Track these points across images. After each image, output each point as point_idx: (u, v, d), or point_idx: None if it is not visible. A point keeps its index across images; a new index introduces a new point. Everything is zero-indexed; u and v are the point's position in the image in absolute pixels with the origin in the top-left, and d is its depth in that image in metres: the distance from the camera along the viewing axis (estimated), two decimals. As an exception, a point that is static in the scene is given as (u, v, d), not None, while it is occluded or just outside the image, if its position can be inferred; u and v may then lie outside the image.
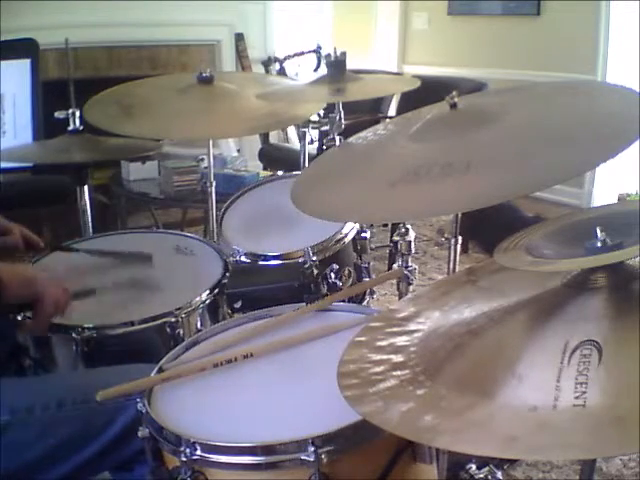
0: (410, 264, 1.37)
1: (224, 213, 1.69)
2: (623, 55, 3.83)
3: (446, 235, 1.39)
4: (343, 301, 1.24)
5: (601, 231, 0.74)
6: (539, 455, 0.85)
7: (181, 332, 1.26)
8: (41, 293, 1.18)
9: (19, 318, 1.23)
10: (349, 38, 4.97)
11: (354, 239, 1.59)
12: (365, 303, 1.58)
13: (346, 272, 1.54)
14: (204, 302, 1.33)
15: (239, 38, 4.47)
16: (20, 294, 1.17)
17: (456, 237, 1.39)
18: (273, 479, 0.87)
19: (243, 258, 1.50)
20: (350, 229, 1.57)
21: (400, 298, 1.33)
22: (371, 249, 1.64)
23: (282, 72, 4.50)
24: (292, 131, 4.30)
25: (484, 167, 0.90)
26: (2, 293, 1.12)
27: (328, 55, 1.65)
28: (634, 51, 3.68)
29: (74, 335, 1.22)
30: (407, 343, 0.86)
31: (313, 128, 2.06)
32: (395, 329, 0.91)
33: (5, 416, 1.06)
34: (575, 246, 0.77)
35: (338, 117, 1.77)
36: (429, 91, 1.52)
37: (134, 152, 2.23)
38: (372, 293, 1.61)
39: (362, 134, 1.22)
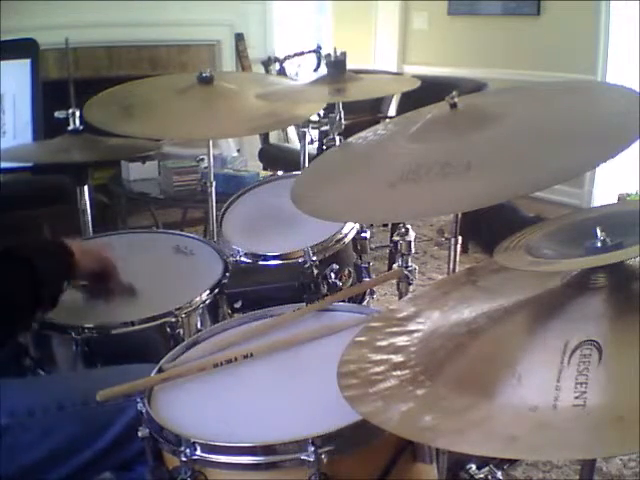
0: (410, 264, 1.37)
1: (224, 213, 1.69)
2: (623, 55, 3.83)
3: (446, 235, 1.39)
4: (343, 301, 1.24)
5: (601, 231, 0.74)
6: (539, 455, 0.85)
7: (181, 332, 1.26)
8: (110, 266, 1.30)
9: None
10: (349, 38, 4.96)
11: (354, 239, 1.58)
12: (365, 303, 1.57)
13: (346, 272, 1.54)
14: (204, 302, 1.33)
15: (239, 38, 4.47)
16: (90, 269, 1.26)
17: (456, 237, 1.39)
18: (273, 479, 0.87)
19: (243, 258, 1.50)
20: (350, 229, 1.57)
21: (400, 298, 1.33)
22: (371, 249, 1.64)
23: (282, 72, 4.50)
24: (292, 131, 4.30)
25: (484, 167, 0.90)
26: (76, 269, 1.21)
27: (328, 55, 1.65)
28: (634, 51, 3.68)
29: (74, 335, 1.22)
30: (407, 343, 0.86)
31: (313, 128, 2.05)
32: (395, 329, 0.91)
33: (5, 418, 1.06)
34: (575, 246, 0.77)
35: (338, 117, 1.77)
36: (429, 91, 1.52)
37: (134, 152, 2.23)
38: (372, 293, 1.61)
39: (362, 134, 1.22)
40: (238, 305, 1.41)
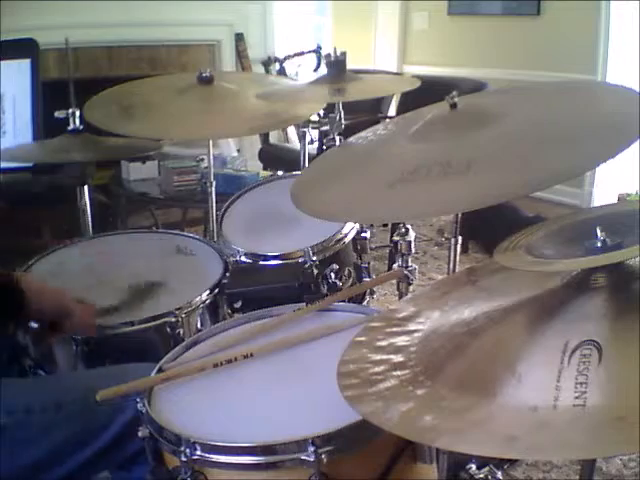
0: (410, 264, 1.37)
1: (224, 213, 1.69)
2: (623, 55, 3.83)
3: (446, 235, 1.40)
4: (343, 301, 1.24)
5: (601, 231, 0.74)
6: (539, 455, 0.85)
7: (181, 332, 1.26)
8: (69, 311, 1.17)
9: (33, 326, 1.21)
10: (349, 38, 4.97)
11: (354, 239, 1.58)
12: (365, 303, 1.57)
13: (346, 272, 1.54)
14: (204, 302, 1.33)
15: (239, 38, 4.47)
16: (45, 310, 1.16)
17: (456, 237, 1.39)
18: (273, 479, 0.87)
19: (243, 258, 1.50)
20: (350, 229, 1.57)
21: (400, 298, 1.33)
22: (371, 249, 1.64)
23: (282, 72, 4.50)
24: (292, 131, 4.30)
25: (484, 167, 0.90)
26: (24, 306, 1.11)
27: (328, 55, 1.65)
28: (634, 51, 3.68)
29: (74, 335, 1.22)
30: (407, 343, 0.86)
31: (313, 128, 2.05)
32: (395, 329, 0.91)
33: (4, 418, 1.06)
34: (575, 246, 0.77)
35: (338, 117, 1.77)
36: (429, 91, 1.52)
37: (134, 152, 2.24)
38: (372, 293, 1.61)
39: (362, 134, 1.22)
40: (238, 305, 1.40)
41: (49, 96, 3.06)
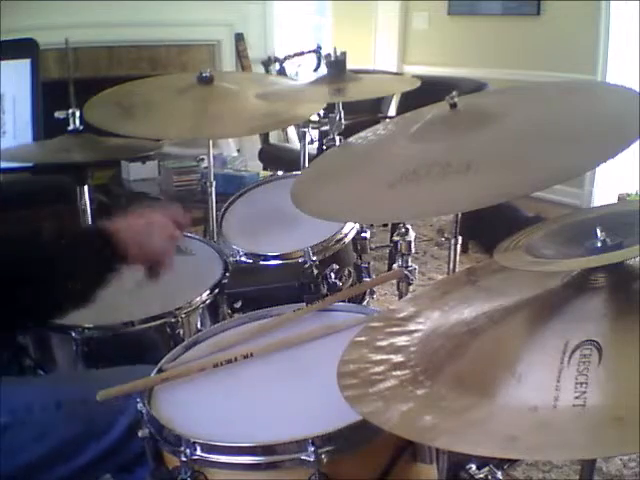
0: (410, 264, 1.37)
1: (224, 213, 1.69)
2: (623, 55, 3.83)
3: (446, 235, 1.40)
4: (343, 301, 1.24)
5: (601, 231, 0.74)
6: (539, 455, 0.85)
7: (181, 332, 1.26)
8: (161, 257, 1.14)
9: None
10: (349, 38, 4.96)
11: (354, 239, 1.58)
12: (365, 303, 1.57)
13: (346, 272, 1.54)
14: (204, 302, 1.33)
15: (239, 38, 4.47)
16: (141, 257, 1.12)
17: (456, 237, 1.39)
18: (273, 479, 0.87)
19: (243, 258, 1.50)
20: (350, 229, 1.57)
21: (400, 298, 1.33)
22: (371, 249, 1.64)
23: (282, 72, 4.50)
24: (292, 131, 4.29)
25: (484, 167, 0.90)
26: (118, 260, 1.08)
27: (328, 55, 1.65)
28: (634, 51, 3.68)
29: (74, 335, 1.22)
30: (407, 343, 0.86)
31: (313, 128, 2.06)
32: (395, 329, 0.91)
33: (4, 417, 1.06)
34: (575, 246, 0.77)
35: (338, 117, 1.77)
36: (429, 91, 1.52)
37: (134, 152, 2.23)
38: (372, 293, 1.61)
39: (362, 134, 1.22)
40: (238, 305, 1.41)
41: (49, 96, 3.06)
